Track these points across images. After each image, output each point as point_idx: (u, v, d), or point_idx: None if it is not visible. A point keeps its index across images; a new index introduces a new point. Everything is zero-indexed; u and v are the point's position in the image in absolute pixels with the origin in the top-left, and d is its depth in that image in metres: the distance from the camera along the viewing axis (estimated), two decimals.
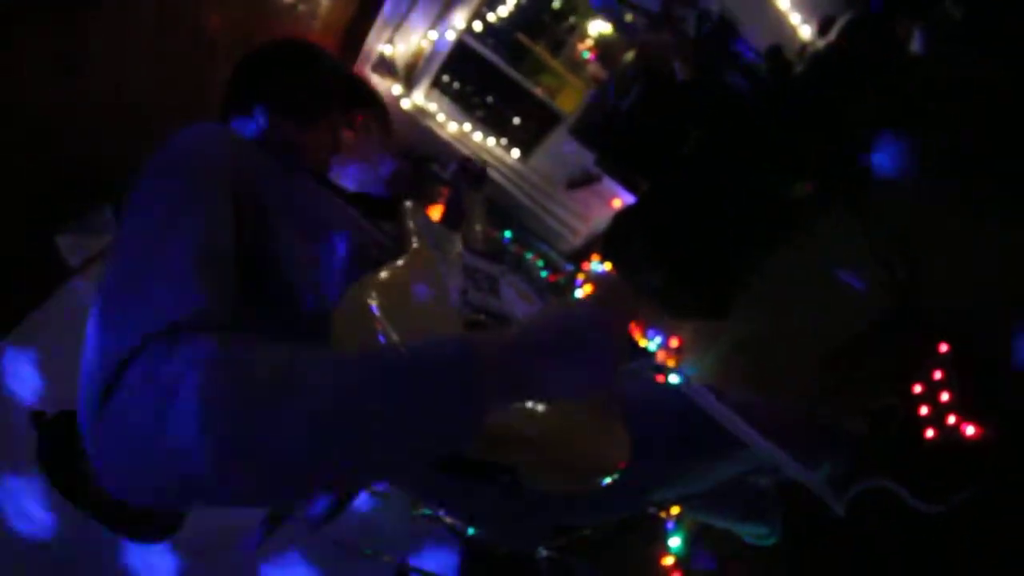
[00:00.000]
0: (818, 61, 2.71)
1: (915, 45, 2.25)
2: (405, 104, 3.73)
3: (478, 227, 1.55)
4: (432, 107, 3.84)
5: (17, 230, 2.22)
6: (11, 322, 2.43)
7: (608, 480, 0.76)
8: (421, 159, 4.18)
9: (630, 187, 3.60)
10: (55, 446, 2.64)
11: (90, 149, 2.37)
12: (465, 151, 3.85)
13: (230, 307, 0.60)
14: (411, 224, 0.96)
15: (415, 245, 0.90)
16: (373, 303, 0.70)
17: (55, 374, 2.53)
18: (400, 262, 0.82)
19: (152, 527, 2.92)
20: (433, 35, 3.54)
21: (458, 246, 1.04)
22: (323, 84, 1.06)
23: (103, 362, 0.52)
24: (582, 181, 3.97)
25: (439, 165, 3.75)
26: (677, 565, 2.22)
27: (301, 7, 3.19)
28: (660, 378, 1.03)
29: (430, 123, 3.81)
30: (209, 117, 1.03)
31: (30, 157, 2.12)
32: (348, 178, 1.08)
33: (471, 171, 1.57)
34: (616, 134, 3.24)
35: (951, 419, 1.60)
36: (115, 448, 0.49)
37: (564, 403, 0.74)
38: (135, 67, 2.36)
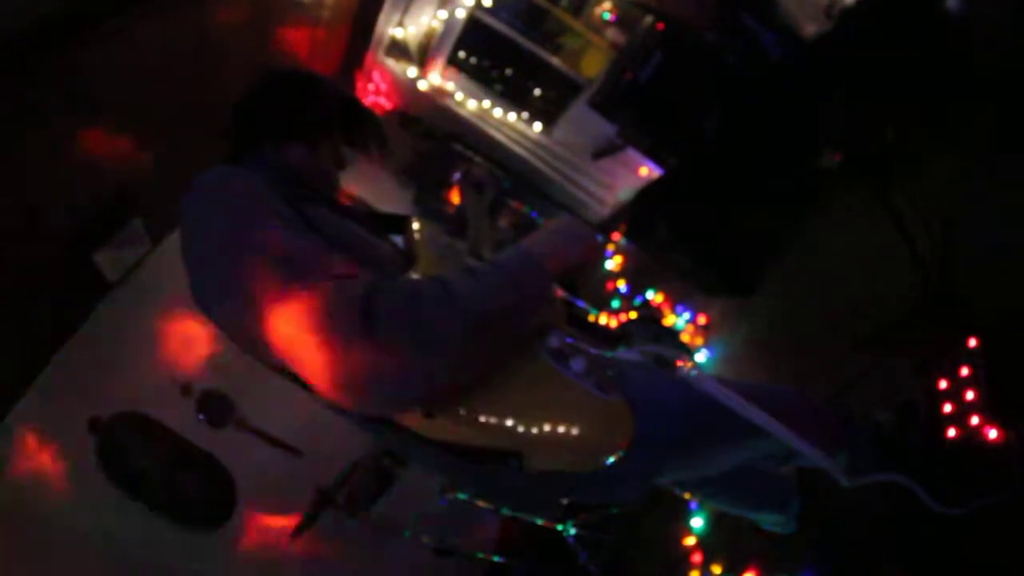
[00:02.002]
0: (847, 19, 2.53)
1: (951, 2, 2.08)
2: (422, 85, 3.67)
3: (483, 232, 1.59)
4: (449, 86, 3.77)
5: (57, 252, 2.32)
6: (60, 337, 2.56)
7: (611, 460, 0.88)
8: (446, 138, 4.13)
9: (654, 157, 3.49)
10: (113, 447, 2.79)
11: (113, 164, 2.43)
12: (486, 128, 3.79)
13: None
14: (418, 237, 1.03)
15: (423, 257, 0.97)
16: None
17: (105, 382, 2.67)
18: (412, 272, 0.92)
19: (204, 517, 3.08)
20: (443, 14, 3.44)
21: (463, 255, 1.12)
22: (319, 106, 1.13)
23: (342, 311, 0.71)
24: (607, 150, 3.86)
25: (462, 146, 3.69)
26: (698, 545, 2.25)
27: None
28: (676, 364, 1.09)
29: (448, 102, 3.75)
30: (226, 117, 1.12)
31: (60, 178, 2.19)
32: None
33: (473, 180, 1.61)
34: (637, 105, 3.12)
35: (975, 419, 1.54)
36: (385, 352, 0.71)
37: (567, 387, 0.90)
38: (146, 75, 2.38)
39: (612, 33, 3.61)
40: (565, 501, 1.03)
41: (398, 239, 1.08)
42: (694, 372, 1.05)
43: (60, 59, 1.93)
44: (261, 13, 2.93)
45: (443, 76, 3.77)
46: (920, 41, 2.19)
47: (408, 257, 1.00)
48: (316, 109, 1.12)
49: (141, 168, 2.58)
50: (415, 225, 1.06)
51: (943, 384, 1.65)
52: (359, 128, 1.18)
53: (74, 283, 2.47)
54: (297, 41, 3.18)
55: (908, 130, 2.11)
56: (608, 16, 3.86)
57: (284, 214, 0.82)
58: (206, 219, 0.83)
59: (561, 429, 0.86)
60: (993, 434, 1.48)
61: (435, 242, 1.04)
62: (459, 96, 3.77)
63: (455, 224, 3.36)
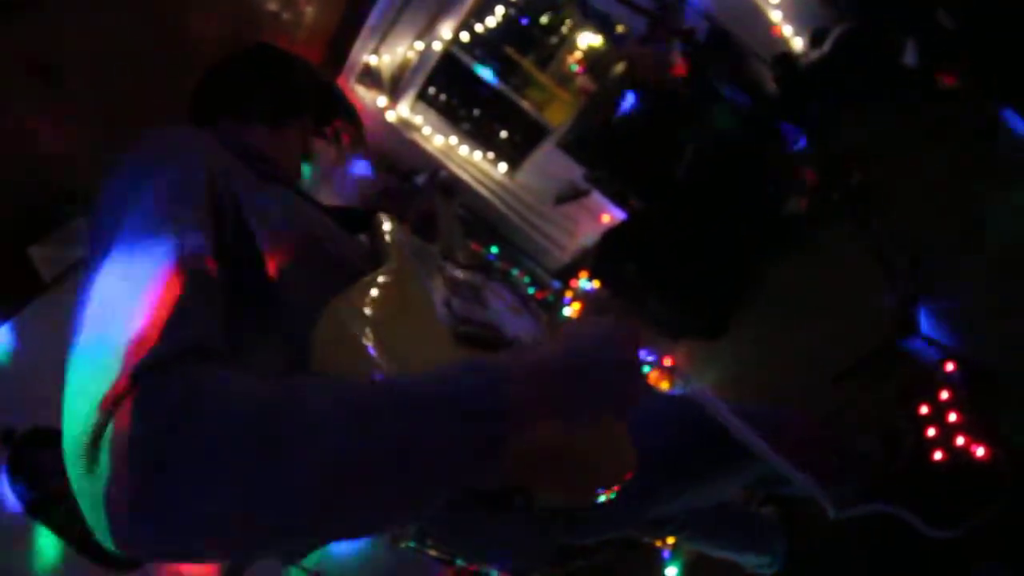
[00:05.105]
0: (812, 73, 2.67)
1: (907, 56, 2.22)
2: (390, 116, 3.65)
3: (455, 237, 1.51)
4: (418, 120, 3.77)
5: None
6: None
7: (614, 491, 0.72)
8: (407, 173, 4.08)
9: (620, 202, 3.54)
10: (26, 463, 2.50)
11: (65, 159, 2.28)
12: (450, 165, 3.78)
13: (219, 329, 0.54)
14: (387, 236, 0.90)
15: (393, 257, 0.84)
16: (356, 318, 0.66)
17: (27, 391, 2.42)
18: (381, 275, 0.76)
19: (116, 555, 2.78)
20: (419, 46, 3.47)
21: (437, 257, 0.99)
22: (291, 88, 1.05)
23: (89, 404, 0.45)
24: (570, 196, 3.90)
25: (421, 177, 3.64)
26: None
27: (285, 16, 3.12)
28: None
29: (415, 136, 3.74)
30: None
31: (4, 167, 2.03)
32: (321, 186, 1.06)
33: (442, 182, 1.54)
34: (608, 148, 3.18)
35: (960, 440, 1.54)
36: (114, 500, 0.43)
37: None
38: (114, 79, 2.27)
39: (582, 80, 3.72)
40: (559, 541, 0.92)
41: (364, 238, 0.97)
42: (688, 387, 1.01)
43: (21, 34, 1.82)
44: (237, 26, 2.88)
45: (412, 109, 3.77)
46: (879, 91, 2.33)
47: (377, 256, 0.88)
48: (287, 89, 1.05)
49: (93, 167, 2.42)
50: (384, 224, 0.93)
51: (924, 409, 1.66)
52: (333, 117, 1.11)
53: (3, 277, 2.25)
54: None
55: (873, 170, 2.20)
56: (576, 68, 4.00)
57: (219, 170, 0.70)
58: (126, 178, 0.67)
59: (567, 459, 0.70)
60: (980, 452, 1.48)
61: (406, 242, 0.94)
62: (427, 131, 3.77)
63: (420, 232, 3.29)
